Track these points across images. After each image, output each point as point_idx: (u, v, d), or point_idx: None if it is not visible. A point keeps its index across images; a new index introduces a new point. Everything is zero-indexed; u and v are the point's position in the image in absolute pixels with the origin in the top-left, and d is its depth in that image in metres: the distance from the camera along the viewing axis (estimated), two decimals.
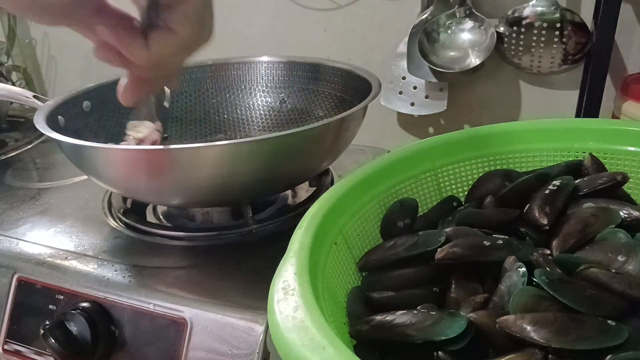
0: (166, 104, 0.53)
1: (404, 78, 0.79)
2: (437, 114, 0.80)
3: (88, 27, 0.30)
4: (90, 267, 0.51)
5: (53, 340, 0.46)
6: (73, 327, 0.47)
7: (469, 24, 0.73)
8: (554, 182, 0.42)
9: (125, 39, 0.29)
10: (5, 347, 0.52)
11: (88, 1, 0.28)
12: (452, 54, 0.74)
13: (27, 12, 0.26)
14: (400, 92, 0.80)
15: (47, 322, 0.47)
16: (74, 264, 0.52)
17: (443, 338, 0.30)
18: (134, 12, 0.31)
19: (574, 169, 0.45)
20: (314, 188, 0.65)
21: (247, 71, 0.75)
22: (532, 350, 0.29)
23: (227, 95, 0.76)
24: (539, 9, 0.69)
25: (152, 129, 0.49)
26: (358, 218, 0.42)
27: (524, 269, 0.34)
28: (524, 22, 0.70)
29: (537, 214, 0.39)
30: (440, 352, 0.30)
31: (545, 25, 0.69)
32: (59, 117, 0.60)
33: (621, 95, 0.67)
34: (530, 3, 0.70)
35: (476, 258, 0.36)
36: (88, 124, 0.65)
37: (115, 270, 0.51)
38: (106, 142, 0.60)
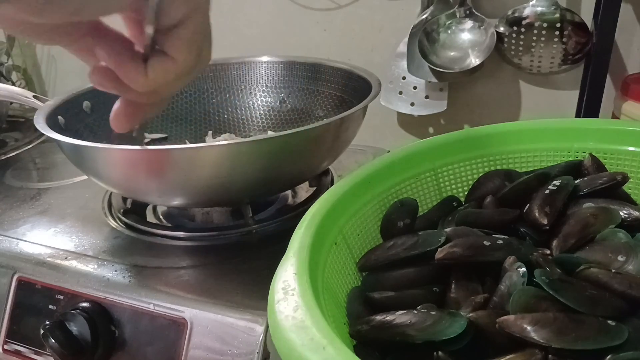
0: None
1: (404, 78, 0.79)
2: (437, 114, 0.80)
3: (85, 49, 0.29)
4: (90, 267, 0.51)
5: (53, 340, 0.46)
6: (73, 327, 0.47)
7: (469, 24, 0.73)
8: (554, 182, 0.42)
9: (125, 64, 0.28)
10: (5, 347, 0.52)
11: (79, 24, 0.27)
12: (452, 54, 0.74)
13: (20, 32, 0.25)
14: (400, 92, 0.80)
15: (47, 322, 0.47)
16: (74, 264, 0.52)
17: (443, 338, 0.30)
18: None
19: (574, 169, 0.45)
20: (314, 188, 0.65)
21: (247, 71, 0.75)
22: (532, 350, 0.29)
23: (227, 95, 0.76)
24: (539, 9, 0.69)
25: None
26: (358, 218, 0.42)
27: (524, 269, 0.34)
28: (524, 22, 0.70)
29: (537, 214, 0.39)
30: (440, 352, 0.30)
31: (545, 25, 0.69)
32: (59, 117, 0.60)
33: (621, 95, 0.67)
34: (530, 3, 0.70)
35: (476, 258, 0.36)
36: (88, 124, 0.65)
37: (115, 270, 0.51)
38: (106, 142, 0.60)
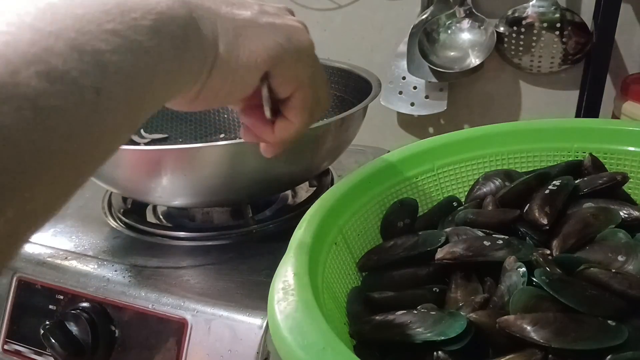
0: None
1: (404, 78, 0.79)
2: (437, 114, 0.80)
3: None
4: (90, 267, 0.51)
5: (53, 340, 0.46)
6: (73, 327, 0.47)
7: (469, 24, 0.73)
8: (554, 182, 0.42)
9: (257, 125, 0.36)
10: (5, 347, 0.52)
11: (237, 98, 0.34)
12: (452, 54, 0.74)
13: (191, 109, 0.33)
14: (400, 92, 0.80)
15: (47, 322, 0.47)
16: (74, 264, 0.52)
17: (443, 338, 0.30)
18: None
19: (574, 169, 0.45)
20: (314, 188, 0.65)
21: None
22: (532, 350, 0.29)
23: None
24: (539, 9, 0.69)
25: None
26: (358, 218, 0.42)
27: (524, 269, 0.34)
28: (524, 22, 0.70)
29: (537, 214, 0.39)
30: (440, 352, 0.30)
31: (545, 25, 0.69)
32: None
33: (621, 95, 0.67)
34: (530, 3, 0.70)
35: (476, 258, 0.36)
36: None
37: (115, 270, 0.51)
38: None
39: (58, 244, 0.56)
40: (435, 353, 0.31)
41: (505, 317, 0.30)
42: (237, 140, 0.48)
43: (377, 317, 0.34)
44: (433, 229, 0.43)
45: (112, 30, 0.21)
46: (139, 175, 0.50)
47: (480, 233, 0.40)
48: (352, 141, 0.59)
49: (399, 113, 0.84)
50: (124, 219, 0.60)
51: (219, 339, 0.44)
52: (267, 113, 0.35)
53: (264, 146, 0.40)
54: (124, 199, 0.63)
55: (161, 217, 0.62)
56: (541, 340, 0.28)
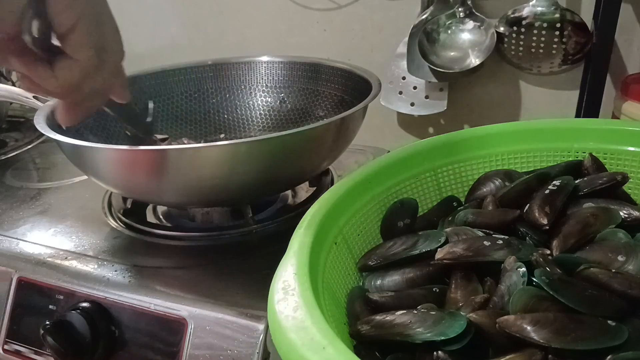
0: (149, 119, 0.57)
1: (404, 78, 0.79)
2: (437, 114, 0.80)
3: (4, 62, 0.32)
4: (90, 267, 0.51)
5: (53, 340, 0.46)
6: (73, 327, 0.47)
7: (469, 24, 0.73)
8: (554, 182, 0.42)
9: (33, 69, 0.31)
10: (5, 347, 0.52)
11: None
12: (452, 54, 0.74)
13: None
14: (400, 92, 0.80)
15: (47, 322, 0.47)
16: (74, 264, 0.52)
17: (443, 338, 0.30)
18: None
19: (574, 169, 0.45)
20: (314, 188, 0.65)
21: (247, 71, 0.75)
22: (532, 350, 0.29)
23: (227, 95, 0.76)
24: (539, 9, 0.69)
25: None
26: (358, 218, 0.42)
27: (524, 269, 0.34)
28: (524, 22, 0.70)
29: (537, 214, 0.39)
30: (440, 352, 0.30)
31: (545, 25, 0.69)
32: None
33: (621, 95, 0.67)
34: (530, 3, 0.70)
35: (476, 258, 0.36)
36: (88, 124, 0.65)
37: (115, 270, 0.51)
38: (106, 142, 0.60)
39: (58, 244, 0.56)
40: (435, 353, 0.31)
41: (505, 317, 0.30)
42: (237, 140, 0.48)
43: (377, 317, 0.34)
44: (433, 229, 0.43)
45: None
46: (139, 175, 0.50)
47: (480, 233, 0.40)
48: (352, 141, 0.59)
49: (399, 113, 0.84)
50: (124, 219, 0.60)
51: (219, 339, 0.44)
52: (28, 38, 0.29)
53: (60, 113, 0.35)
54: (124, 199, 0.63)
55: (161, 217, 0.62)
56: (541, 340, 0.28)
